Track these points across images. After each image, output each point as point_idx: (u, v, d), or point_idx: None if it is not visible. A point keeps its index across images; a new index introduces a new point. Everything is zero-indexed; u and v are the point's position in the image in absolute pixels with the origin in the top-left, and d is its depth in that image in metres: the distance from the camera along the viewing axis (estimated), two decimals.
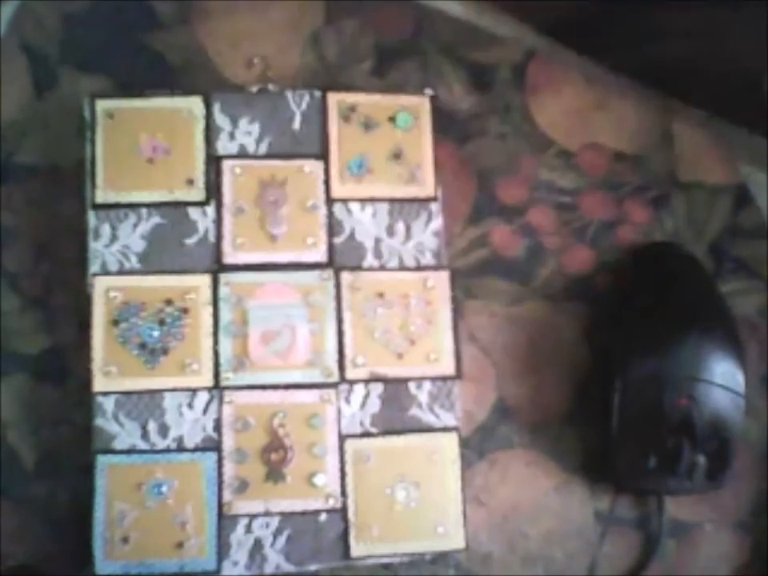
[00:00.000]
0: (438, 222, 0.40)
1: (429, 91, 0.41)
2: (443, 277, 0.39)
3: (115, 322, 0.37)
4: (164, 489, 0.36)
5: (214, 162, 0.39)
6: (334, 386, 0.38)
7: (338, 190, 0.39)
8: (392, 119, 0.40)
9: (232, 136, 0.39)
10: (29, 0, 0.41)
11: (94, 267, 0.38)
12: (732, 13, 0.39)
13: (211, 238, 0.38)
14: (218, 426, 0.37)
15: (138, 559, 0.36)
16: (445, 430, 0.38)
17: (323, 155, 0.39)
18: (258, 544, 0.36)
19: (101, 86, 0.40)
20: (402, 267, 0.39)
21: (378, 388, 0.38)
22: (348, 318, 0.38)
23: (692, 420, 0.37)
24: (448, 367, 0.38)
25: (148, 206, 0.38)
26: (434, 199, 0.40)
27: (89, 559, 0.36)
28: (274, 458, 0.37)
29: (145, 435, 0.37)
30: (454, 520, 0.37)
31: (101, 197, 0.38)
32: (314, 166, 0.39)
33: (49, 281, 0.39)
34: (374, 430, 0.38)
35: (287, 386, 0.37)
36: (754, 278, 0.43)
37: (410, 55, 0.42)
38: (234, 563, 0.36)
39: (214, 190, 0.39)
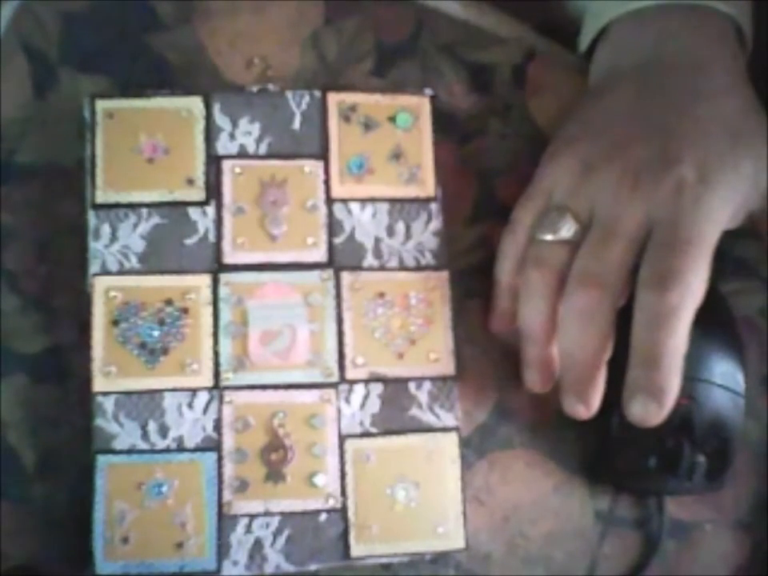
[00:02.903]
0: (438, 222, 0.40)
1: (429, 91, 0.41)
2: (443, 277, 0.39)
3: (115, 322, 0.37)
4: (164, 489, 0.36)
5: (214, 162, 0.39)
6: (334, 385, 0.38)
7: (337, 190, 0.39)
8: (392, 119, 0.40)
9: (232, 136, 0.39)
10: (29, 0, 0.41)
11: (93, 267, 0.38)
12: None
13: (211, 237, 0.38)
14: (218, 426, 0.37)
15: (138, 559, 0.36)
16: (445, 430, 0.38)
17: (323, 155, 0.40)
18: (258, 544, 0.36)
19: (101, 86, 0.40)
20: (402, 267, 0.39)
21: (377, 388, 0.38)
22: (348, 318, 0.38)
23: (692, 420, 0.37)
24: (448, 367, 0.38)
25: (148, 205, 0.38)
26: (434, 199, 0.40)
27: (89, 559, 0.36)
28: (274, 457, 0.37)
29: (145, 435, 0.37)
30: (454, 520, 0.37)
31: (101, 197, 0.38)
32: (313, 166, 0.39)
33: (49, 281, 0.39)
34: (374, 429, 0.38)
35: (287, 386, 0.37)
36: (754, 278, 0.43)
37: (410, 55, 0.42)
38: (234, 563, 0.36)
39: (214, 190, 0.39)
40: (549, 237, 0.36)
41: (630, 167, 0.35)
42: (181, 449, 0.37)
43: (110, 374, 0.37)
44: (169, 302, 0.38)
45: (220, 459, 0.37)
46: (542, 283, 0.36)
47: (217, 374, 0.37)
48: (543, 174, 0.38)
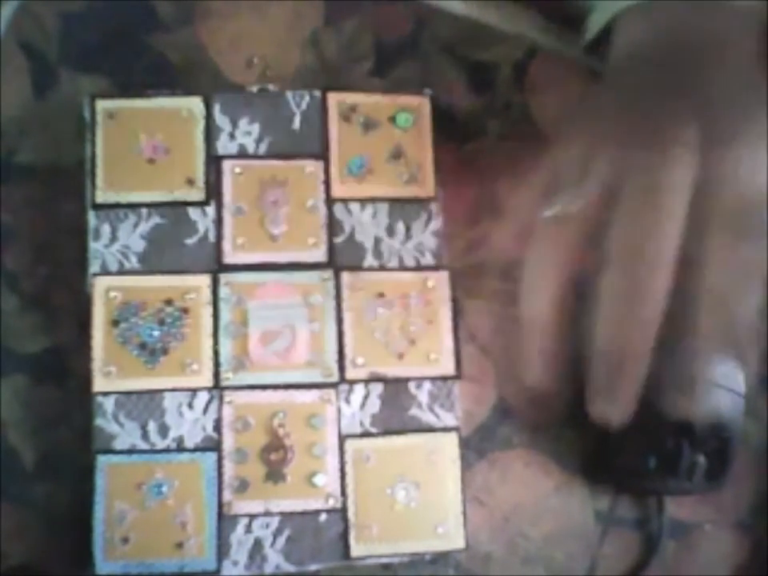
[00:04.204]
0: (437, 222, 0.40)
1: (429, 91, 0.41)
2: (443, 277, 0.39)
3: (115, 322, 0.37)
4: (164, 489, 0.36)
5: (213, 162, 0.39)
6: (333, 385, 0.38)
7: (337, 190, 0.39)
8: (392, 119, 0.40)
9: (232, 136, 0.39)
10: (28, 0, 0.41)
11: (93, 267, 0.38)
12: None
13: (211, 238, 0.38)
14: (218, 426, 0.37)
15: (138, 559, 0.36)
16: (445, 429, 0.38)
17: (323, 155, 0.40)
18: (258, 544, 0.36)
19: (101, 86, 0.40)
20: (402, 267, 0.39)
21: (377, 388, 0.38)
22: (348, 318, 0.38)
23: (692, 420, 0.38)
24: (448, 367, 0.38)
25: (148, 206, 0.38)
26: (434, 199, 0.40)
27: (89, 559, 0.36)
28: (274, 457, 0.37)
29: (145, 435, 0.37)
30: (454, 520, 0.37)
31: (101, 197, 0.38)
32: (314, 166, 0.39)
33: (49, 281, 0.39)
34: (373, 429, 0.38)
35: (287, 386, 0.37)
36: None
37: (410, 55, 0.42)
38: (233, 563, 0.36)
39: (214, 190, 0.39)
40: (556, 214, 0.35)
41: (640, 147, 0.35)
42: (181, 449, 0.37)
43: (110, 374, 0.37)
44: (169, 302, 0.38)
45: (220, 459, 0.37)
46: (550, 263, 0.34)
47: (217, 374, 0.37)
48: (551, 155, 0.37)
